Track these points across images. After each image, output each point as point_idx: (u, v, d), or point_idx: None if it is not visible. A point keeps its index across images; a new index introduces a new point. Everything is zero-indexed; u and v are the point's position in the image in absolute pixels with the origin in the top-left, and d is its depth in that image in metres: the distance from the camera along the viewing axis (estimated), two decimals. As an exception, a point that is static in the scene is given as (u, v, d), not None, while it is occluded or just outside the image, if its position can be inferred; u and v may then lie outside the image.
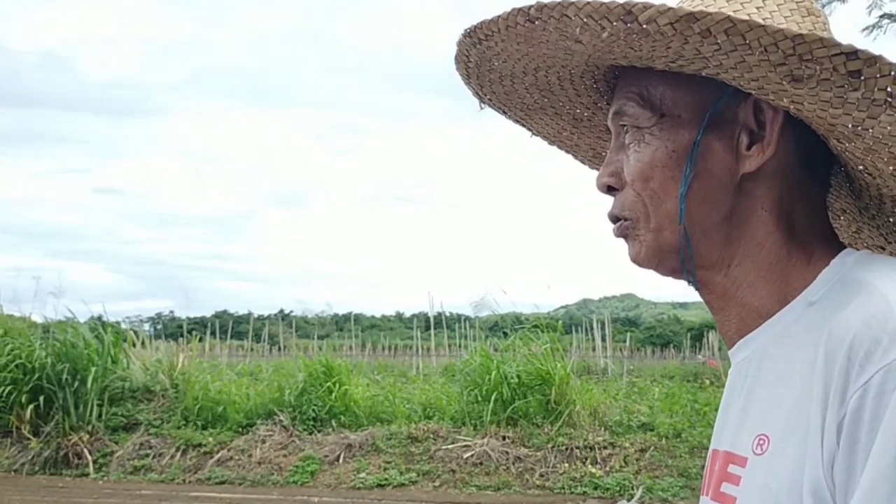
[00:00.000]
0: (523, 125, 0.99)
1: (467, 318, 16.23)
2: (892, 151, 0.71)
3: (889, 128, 0.68)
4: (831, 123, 0.71)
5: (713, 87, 0.77)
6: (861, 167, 0.78)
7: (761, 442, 0.73)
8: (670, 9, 0.66)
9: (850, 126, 0.70)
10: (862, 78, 0.64)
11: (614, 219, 0.86)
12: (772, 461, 0.71)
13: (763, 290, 0.79)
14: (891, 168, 0.74)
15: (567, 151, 1.04)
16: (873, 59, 0.64)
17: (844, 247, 0.82)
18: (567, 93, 0.92)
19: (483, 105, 0.95)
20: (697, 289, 0.85)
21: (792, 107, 0.72)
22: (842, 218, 0.94)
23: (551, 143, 1.02)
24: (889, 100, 0.65)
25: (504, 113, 0.96)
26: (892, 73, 0.64)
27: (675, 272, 0.84)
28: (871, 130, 0.69)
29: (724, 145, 0.79)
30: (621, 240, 0.87)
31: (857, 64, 0.64)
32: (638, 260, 0.84)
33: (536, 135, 1.01)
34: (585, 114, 0.96)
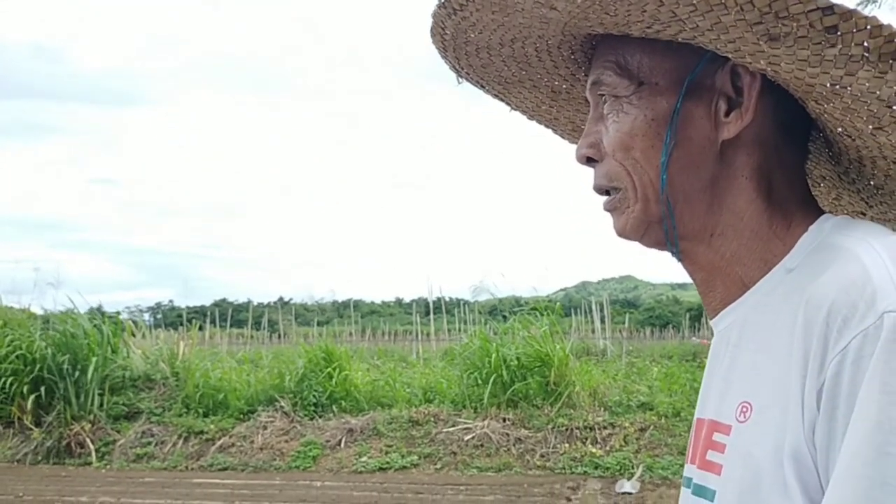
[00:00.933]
0: (501, 99, 0.98)
1: (466, 303, 16.29)
2: (871, 109, 0.70)
3: (867, 84, 0.67)
4: (809, 83, 0.71)
5: (690, 54, 0.76)
6: (840, 129, 0.77)
7: (744, 409, 0.73)
8: None
9: (828, 85, 0.69)
10: (839, 33, 0.63)
11: (602, 191, 0.85)
12: (754, 428, 0.71)
13: (746, 258, 0.79)
14: (870, 127, 0.73)
15: (546, 126, 1.03)
16: (849, 14, 0.63)
17: (823, 213, 0.81)
18: (545, 64, 0.91)
19: (461, 80, 0.93)
20: (680, 260, 0.84)
21: (769, 68, 0.72)
22: (822, 185, 0.94)
23: (530, 117, 1.01)
24: (866, 55, 0.64)
25: (482, 87, 0.95)
26: (869, 27, 0.63)
27: (660, 243, 0.84)
28: (849, 88, 0.68)
29: (703, 112, 0.78)
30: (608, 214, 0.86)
31: (833, 19, 0.63)
32: (624, 232, 0.84)
33: (515, 109, 1.00)
34: (563, 86, 0.94)
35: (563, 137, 1.05)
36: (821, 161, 0.90)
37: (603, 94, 0.82)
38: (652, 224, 0.82)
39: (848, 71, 0.66)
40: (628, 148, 0.80)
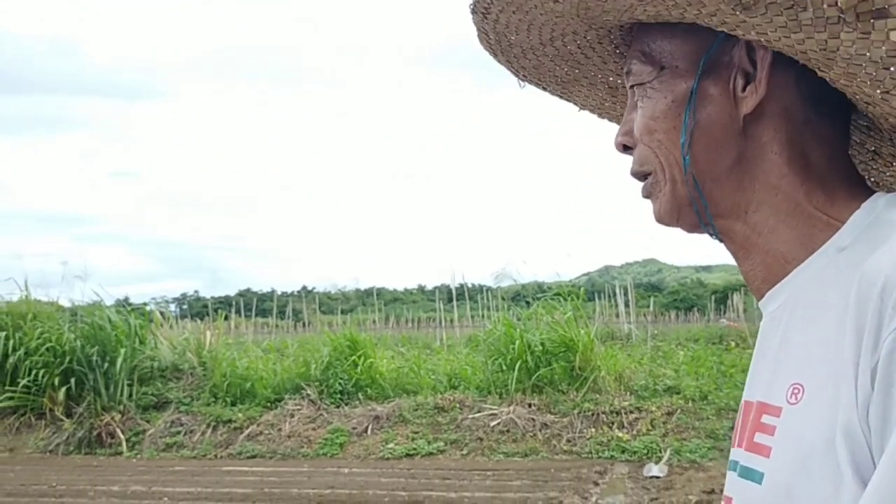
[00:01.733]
0: (566, 99, 1.00)
1: (489, 289, 16.23)
2: (870, 73, 0.68)
3: (854, 46, 0.65)
4: (801, 51, 0.70)
5: (707, 35, 0.77)
6: (858, 96, 0.75)
7: (796, 391, 0.71)
8: None
9: (818, 50, 0.68)
10: None
11: (639, 176, 0.86)
12: (806, 409, 0.69)
13: (785, 234, 0.78)
14: (878, 91, 0.70)
15: (614, 121, 1.03)
16: None
17: (874, 191, 0.79)
18: (592, 61, 0.92)
19: (522, 83, 0.96)
20: (720, 239, 0.84)
21: (761, 38, 0.71)
22: (879, 160, 0.90)
23: (600, 115, 1.02)
24: (842, 16, 0.62)
25: (543, 88, 0.97)
26: None
27: (696, 226, 0.84)
28: (838, 52, 0.67)
29: (721, 89, 0.78)
30: (647, 201, 0.86)
31: None
32: (661, 218, 0.84)
33: (583, 108, 1.02)
34: (618, 81, 0.95)
35: None
36: (871, 135, 0.87)
37: (632, 84, 0.84)
38: (683, 206, 0.82)
39: (830, 34, 0.65)
40: (653, 131, 0.81)
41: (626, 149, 0.86)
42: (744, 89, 0.77)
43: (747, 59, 0.77)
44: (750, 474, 0.76)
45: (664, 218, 0.84)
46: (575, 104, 1.01)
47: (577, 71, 0.93)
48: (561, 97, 0.99)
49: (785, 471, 0.70)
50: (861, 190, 0.79)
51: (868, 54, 0.65)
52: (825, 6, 0.62)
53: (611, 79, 0.95)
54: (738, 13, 0.67)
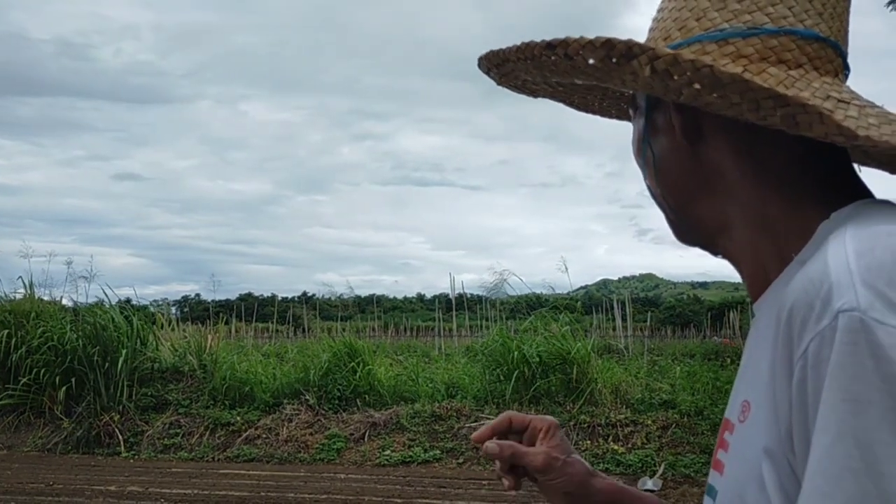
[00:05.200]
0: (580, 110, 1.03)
1: (488, 300, 16.29)
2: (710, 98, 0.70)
3: (636, 84, 0.72)
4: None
5: None
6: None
7: (744, 408, 0.72)
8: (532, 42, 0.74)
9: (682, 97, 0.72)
10: (570, 58, 0.71)
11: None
12: (749, 428, 0.69)
13: (762, 247, 0.77)
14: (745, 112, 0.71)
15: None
16: (564, 43, 0.71)
17: (857, 197, 0.73)
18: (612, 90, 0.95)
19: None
20: (723, 256, 0.85)
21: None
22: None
23: (620, 119, 1.04)
24: (604, 65, 0.70)
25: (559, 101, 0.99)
26: (581, 49, 0.70)
27: (699, 245, 0.87)
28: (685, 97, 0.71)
29: (664, 119, 0.82)
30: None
31: (598, 54, 0.70)
32: (678, 240, 0.89)
33: (598, 115, 1.04)
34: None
35: None
36: None
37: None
38: (681, 231, 0.87)
39: (621, 79, 0.72)
40: (639, 166, 0.88)
41: None
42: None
43: None
44: (710, 490, 0.77)
45: (678, 238, 0.89)
46: (593, 114, 1.04)
47: (592, 94, 0.97)
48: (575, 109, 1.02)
49: (731, 489, 0.71)
50: (838, 196, 0.73)
51: (669, 84, 0.70)
52: (642, 66, 0.68)
53: (628, 94, 0.97)
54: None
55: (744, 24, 0.74)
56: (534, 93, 0.93)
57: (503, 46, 0.79)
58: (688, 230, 0.86)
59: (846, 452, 0.56)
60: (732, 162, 0.78)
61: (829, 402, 0.58)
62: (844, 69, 0.78)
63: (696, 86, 0.68)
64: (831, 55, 0.76)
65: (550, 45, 0.72)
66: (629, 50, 0.68)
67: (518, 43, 0.76)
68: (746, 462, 0.68)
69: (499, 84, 0.89)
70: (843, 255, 0.62)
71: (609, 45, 0.69)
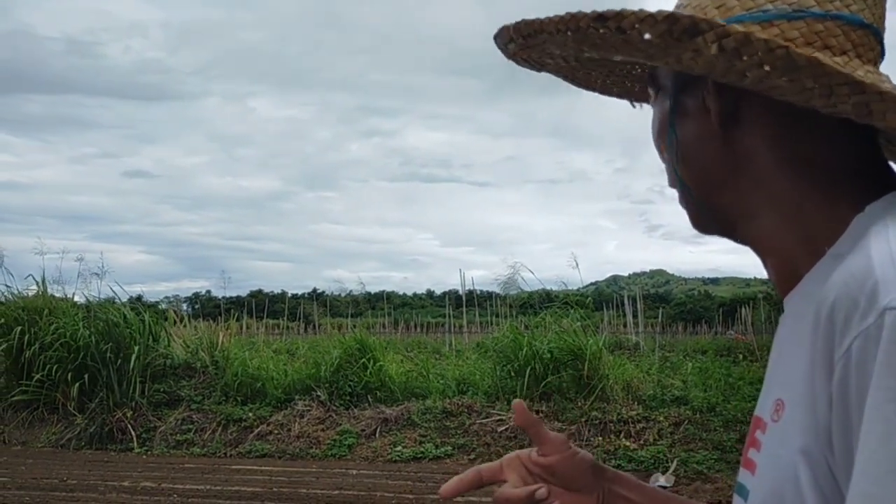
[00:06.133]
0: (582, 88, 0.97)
1: (498, 296, 16.29)
2: (780, 84, 0.67)
3: (697, 65, 0.68)
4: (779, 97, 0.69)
5: None
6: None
7: (778, 407, 0.69)
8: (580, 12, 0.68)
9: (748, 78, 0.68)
10: (624, 32, 0.66)
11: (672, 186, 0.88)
12: (784, 427, 0.67)
13: (788, 239, 0.74)
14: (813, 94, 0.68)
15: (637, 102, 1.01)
16: (619, 16, 0.65)
17: (889, 188, 0.72)
18: (620, 67, 0.92)
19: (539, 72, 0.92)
20: (745, 243, 0.82)
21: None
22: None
23: (621, 97, 1.01)
24: (662, 41, 0.66)
25: (563, 78, 0.94)
26: (637, 21, 0.65)
27: (720, 232, 0.84)
28: (747, 80, 0.68)
29: (695, 102, 0.78)
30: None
31: (658, 28, 0.65)
32: (693, 226, 0.86)
33: (602, 94, 0.99)
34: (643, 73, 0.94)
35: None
36: None
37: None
38: (701, 217, 0.83)
39: (676, 58, 0.68)
40: (658, 149, 0.85)
41: None
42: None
43: None
44: (740, 490, 0.76)
45: (696, 229, 0.85)
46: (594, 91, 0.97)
47: (603, 69, 0.92)
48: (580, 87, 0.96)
49: (765, 489, 0.69)
50: (874, 187, 0.72)
51: (736, 65, 0.66)
52: (707, 43, 0.64)
53: (637, 71, 0.93)
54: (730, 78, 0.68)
55: (789, 5, 0.71)
56: (542, 67, 0.88)
57: (537, 17, 0.73)
58: (709, 218, 0.83)
59: (893, 454, 0.55)
60: (767, 149, 0.74)
61: (875, 402, 0.56)
62: (881, 56, 0.75)
63: (766, 68, 0.64)
64: (872, 42, 0.73)
65: (602, 18, 0.67)
66: (694, 25, 0.64)
67: (560, 14, 0.71)
68: (781, 462, 0.66)
69: (510, 56, 0.84)
70: (887, 250, 0.61)
71: (672, 19, 0.65)
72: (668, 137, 0.81)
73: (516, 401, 1.00)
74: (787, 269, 0.76)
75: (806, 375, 0.64)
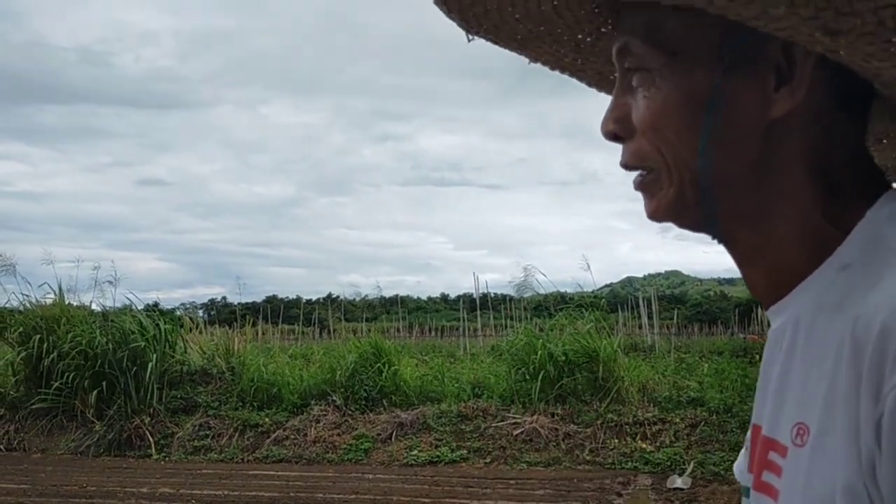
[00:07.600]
0: (519, 53, 0.85)
1: (512, 299, 16.29)
2: None
3: None
4: (875, 73, 0.62)
5: (732, 22, 0.62)
6: None
7: (800, 432, 0.65)
8: None
9: None
10: None
11: (632, 168, 0.76)
12: (813, 455, 0.63)
13: (795, 248, 0.69)
14: None
15: (571, 75, 0.89)
16: None
17: (885, 189, 0.69)
18: (565, 21, 0.78)
19: (471, 37, 0.81)
20: (724, 243, 0.75)
21: (828, 54, 0.61)
22: (884, 141, 0.81)
23: (553, 68, 0.87)
24: None
25: (495, 44, 0.82)
26: None
27: (697, 226, 0.75)
28: None
29: (748, 86, 0.67)
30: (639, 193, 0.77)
31: None
32: (656, 216, 0.75)
33: (535, 62, 0.86)
34: (588, 39, 0.81)
35: (589, 86, 0.91)
36: (884, 118, 0.76)
37: (633, 67, 0.72)
38: (688, 208, 0.72)
39: None
40: (661, 128, 0.70)
41: (616, 138, 0.75)
42: (776, 89, 0.66)
43: (783, 55, 0.65)
44: None
45: (660, 217, 0.75)
46: (528, 58, 0.85)
47: (541, 29, 0.79)
48: (513, 51, 0.84)
49: None
50: (871, 189, 0.69)
51: None
52: None
53: (579, 37, 0.81)
54: (817, 35, 0.58)
55: None
56: (495, 33, 0.79)
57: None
58: (696, 209, 0.72)
59: None
60: (802, 152, 0.68)
61: None
62: None
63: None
64: None
65: None
66: None
67: None
68: (814, 493, 0.62)
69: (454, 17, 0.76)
70: None
71: None
72: (697, 118, 0.68)
73: None
74: (783, 277, 0.71)
75: (833, 398, 0.61)
